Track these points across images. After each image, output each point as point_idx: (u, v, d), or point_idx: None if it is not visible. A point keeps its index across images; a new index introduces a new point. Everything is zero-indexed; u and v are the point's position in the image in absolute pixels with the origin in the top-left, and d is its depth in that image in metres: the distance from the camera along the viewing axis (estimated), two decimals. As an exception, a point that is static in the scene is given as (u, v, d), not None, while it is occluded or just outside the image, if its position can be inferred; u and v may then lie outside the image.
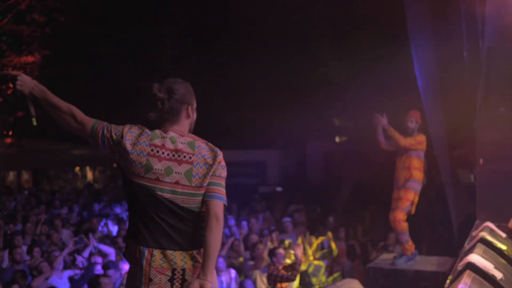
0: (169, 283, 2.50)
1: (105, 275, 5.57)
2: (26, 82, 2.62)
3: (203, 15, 15.83)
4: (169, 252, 2.49)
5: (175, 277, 2.50)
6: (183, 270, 2.51)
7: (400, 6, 8.01)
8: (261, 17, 14.67)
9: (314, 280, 7.18)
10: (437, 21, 7.73)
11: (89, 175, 22.07)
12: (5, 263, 6.67)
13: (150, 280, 2.49)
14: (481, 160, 6.44)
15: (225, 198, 2.56)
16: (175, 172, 2.52)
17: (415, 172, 6.14)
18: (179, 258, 2.50)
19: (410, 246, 6.33)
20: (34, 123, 2.67)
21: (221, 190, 2.55)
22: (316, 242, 7.86)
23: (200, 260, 2.53)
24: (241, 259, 7.43)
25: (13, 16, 14.66)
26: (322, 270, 7.46)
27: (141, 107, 2.66)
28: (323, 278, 7.38)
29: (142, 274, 2.49)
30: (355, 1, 11.91)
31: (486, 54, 6.71)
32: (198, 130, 2.71)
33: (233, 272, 6.58)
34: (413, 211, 6.23)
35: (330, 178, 15.02)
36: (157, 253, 2.49)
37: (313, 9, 13.08)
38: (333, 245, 8.26)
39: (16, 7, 14.43)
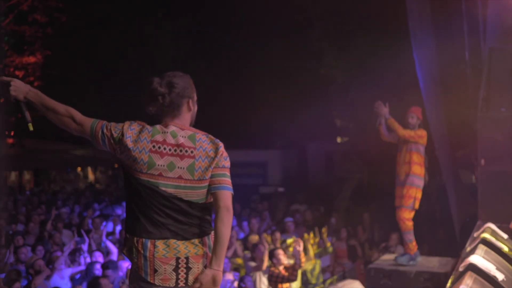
0: (174, 273, 2.51)
1: (104, 275, 5.58)
2: (20, 87, 2.61)
3: (204, 16, 15.84)
4: (172, 241, 2.51)
5: (180, 266, 2.52)
6: (187, 258, 2.53)
7: (402, 6, 8.01)
8: (263, 18, 14.66)
9: (311, 279, 7.19)
10: (439, 21, 7.73)
11: (91, 175, 22.09)
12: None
13: (155, 271, 2.50)
14: (482, 161, 6.44)
15: (232, 187, 2.58)
16: (178, 167, 2.53)
17: (415, 167, 6.09)
18: (182, 247, 2.52)
19: (413, 246, 6.31)
20: (31, 128, 2.64)
21: (227, 181, 2.57)
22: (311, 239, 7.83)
23: (202, 248, 2.56)
24: (240, 260, 7.41)
25: (15, 17, 14.68)
26: (318, 268, 7.47)
27: (142, 101, 2.65)
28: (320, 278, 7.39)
29: (147, 265, 2.51)
30: (356, 1, 11.90)
31: (488, 54, 6.71)
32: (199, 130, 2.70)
33: (235, 274, 6.59)
34: (417, 206, 6.19)
35: (332, 178, 15.00)
36: (159, 243, 2.50)
37: (314, 9, 13.07)
38: (327, 243, 8.25)
39: (18, 8, 14.45)
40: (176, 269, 2.51)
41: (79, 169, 21.47)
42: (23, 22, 14.91)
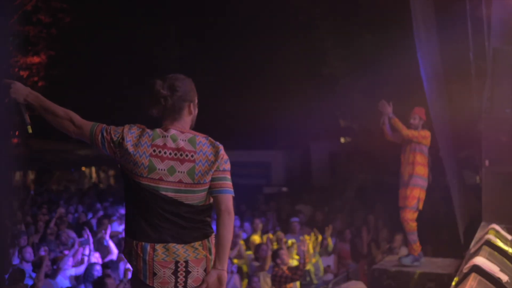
0: (173, 276, 2.52)
1: (109, 275, 5.60)
2: (19, 90, 2.62)
3: (208, 15, 15.85)
4: (171, 245, 2.52)
5: (179, 269, 2.53)
6: (186, 262, 2.53)
7: (406, 7, 7.99)
8: (265, 18, 14.67)
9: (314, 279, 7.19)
10: (443, 22, 7.71)
11: (94, 175, 22.13)
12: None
13: (154, 274, 2.51)
14: (486, 162, 6.44)
15: (232, 190, 2.60)
16: (178, 171, 2.54)
17: (418, 167, 6.09)
18: (182, 251, 2.53)
19: (417, 246, 6.32)
20: (30, 130, 2.65)
21: (228, 184, 2.59)
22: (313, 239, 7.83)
23: (202, 251, 2.57)
24: (240, 261, 7.40)
25: (19, 17, 14.72)
26: (321, 268, 7.47)
27: (144, 104, 2.66)
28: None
29: (146, 269, 2.52)
30: (360, 1, 11.89)
31: (492, 55, 6.70)
32: (202, 131, 2.71)
33: (235, 273, 6.60)
34: (420, 206, 6.19)
35: (335, 178, 15.00)
36: (159, 247, 2.51)
37: (318, 10, 13.07)
38: (329, 240, 8.23)
39: (22, 8, 14.48)
40: (175, 273, 2.52)
41: (83, 168, 21.51)
42: (27, 23, 14.94)
